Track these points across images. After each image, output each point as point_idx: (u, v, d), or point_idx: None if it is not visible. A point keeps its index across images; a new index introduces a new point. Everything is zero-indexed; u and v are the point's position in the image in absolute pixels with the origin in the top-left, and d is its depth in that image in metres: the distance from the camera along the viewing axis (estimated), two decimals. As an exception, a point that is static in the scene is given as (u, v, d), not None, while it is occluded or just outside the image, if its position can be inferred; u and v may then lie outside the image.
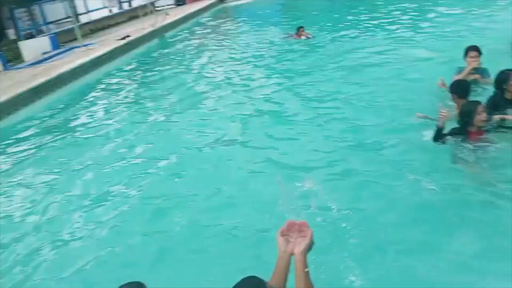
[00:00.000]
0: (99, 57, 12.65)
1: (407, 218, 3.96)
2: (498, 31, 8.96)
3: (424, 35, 10.23)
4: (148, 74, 11.22)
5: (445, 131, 4.48)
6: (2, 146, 7.49)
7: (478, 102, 4.42)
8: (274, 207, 4.29)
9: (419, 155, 4.80)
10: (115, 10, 21.90)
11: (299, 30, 11.67)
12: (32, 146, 7.25)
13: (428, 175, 4.39)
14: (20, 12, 16.24)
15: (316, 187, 4.53)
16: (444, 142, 4.48)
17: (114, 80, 11.21)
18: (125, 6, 22.69)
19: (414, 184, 4.33)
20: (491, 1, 11.96)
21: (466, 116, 4.36)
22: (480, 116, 4.30)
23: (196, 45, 14.18)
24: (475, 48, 5.78)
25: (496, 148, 4.38)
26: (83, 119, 8.38)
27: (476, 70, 5.77)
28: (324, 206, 4.20)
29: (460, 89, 5.00)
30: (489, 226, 3.68)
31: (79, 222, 4.66)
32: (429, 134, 4.70)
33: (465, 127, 4.43)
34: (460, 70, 5.85)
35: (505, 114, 4.60)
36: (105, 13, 20.87)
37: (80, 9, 19.31)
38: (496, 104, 4.74)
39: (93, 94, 10.11)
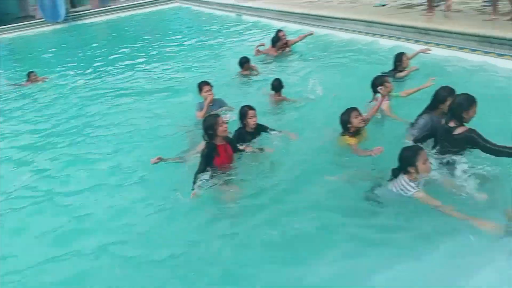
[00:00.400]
0: None
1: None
2: (223, 66, 10.02)
3: (158, 71, 10.72)
4: None
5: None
6: None
7: (217, 115, 5.08)
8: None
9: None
10: None
11: (31, 75, 10.63)
12: None
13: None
14: None
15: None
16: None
17: None
18: None
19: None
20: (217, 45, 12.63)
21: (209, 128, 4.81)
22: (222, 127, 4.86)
23: None
24: (207, 83, 6.50)
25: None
26: None
27: (214, 101, 6.45)
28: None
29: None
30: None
31: None
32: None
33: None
34: (201, 105, 6.41)
35: (248, 145, 5.30)
36: None
37: None
38: (242, 137, 5.38)
39: None
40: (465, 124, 4.29)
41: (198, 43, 13.32)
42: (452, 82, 5.11)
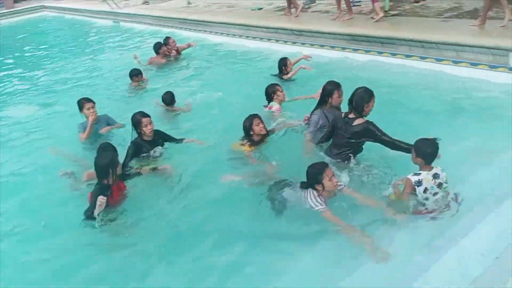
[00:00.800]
0: None
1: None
2: (107, 79, 9.54)
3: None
4: None
5: None
6: None
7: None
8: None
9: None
10: None
11: None
12: None
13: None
14: None
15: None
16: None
17: None
18: None
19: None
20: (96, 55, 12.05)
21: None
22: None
23: None
24: (88, 99, 5.97)
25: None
26: None
27: (99, 119, 5.95)
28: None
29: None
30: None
31: None
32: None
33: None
34: (84, 125, 5.86)
35: (150, 154, 5.13)
36: None
37: None
38: (139, 148, 5.09)
39: None
40: (364, 117, 4.47)
41: (75, 54, 12.51)
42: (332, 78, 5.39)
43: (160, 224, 4.33)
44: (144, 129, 5.06)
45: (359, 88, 4.53)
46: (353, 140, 4.52)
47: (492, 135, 4.98)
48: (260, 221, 4.20)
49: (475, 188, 4.07)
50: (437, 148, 3.76)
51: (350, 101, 4.53)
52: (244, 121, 5.08)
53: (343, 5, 9.56)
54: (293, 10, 10.80)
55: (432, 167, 3.82)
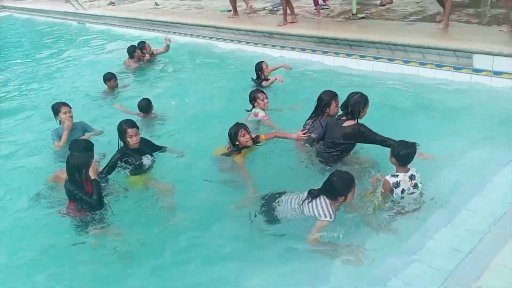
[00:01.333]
0: None
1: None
2: (77, 83, 9.23)
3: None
4: None
5: None
6: None
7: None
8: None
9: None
10: None
11: None
12: None
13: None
14: None
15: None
16: None
17: None
18: None
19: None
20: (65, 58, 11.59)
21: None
22: None
23: None
24: (65, 104, 5.78)
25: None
26: None
27: (75, 125, 5.69)
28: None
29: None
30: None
31: None
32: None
33: None
34: (58, 131, 5.63)
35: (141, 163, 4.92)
36: None
37: None
38: (126, 157, 4.86)
39: None
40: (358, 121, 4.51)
41: (38, 58, 12.07)
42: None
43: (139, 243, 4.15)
44: (129, 139, 4.83)
45: (354, 93, 4.55)
46: (342, 141, 4.54)
47: (458, 133, 5.22)
48: (251, 241, 4.04)
49: (443, 186, 4.25)
50: (412, 152, 3.89)
51: (345, 106, 4.55)
52: (230, 129, 4.97)
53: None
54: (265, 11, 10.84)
55: (409, 169, 3.96)
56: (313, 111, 5.09)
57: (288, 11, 9.51)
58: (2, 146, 6.34)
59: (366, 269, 3.48)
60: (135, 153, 4.92)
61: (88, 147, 4.65)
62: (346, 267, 3.52)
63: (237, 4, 11.17)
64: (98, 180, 4.35)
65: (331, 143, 4.66)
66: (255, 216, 4.15)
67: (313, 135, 4.98)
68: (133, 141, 4.82)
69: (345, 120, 4.54)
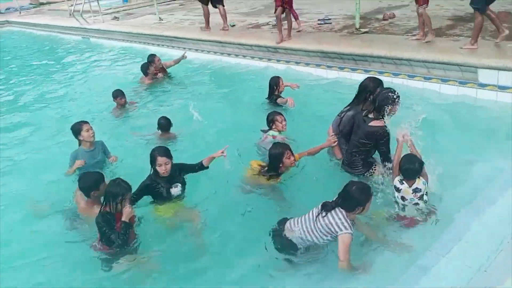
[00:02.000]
0: None
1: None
2: (85, 99, 9.22)
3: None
4: None
5: None
6: None
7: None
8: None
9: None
10: None
11: None
12: None
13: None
14: None
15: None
16: None
17: None
18: None
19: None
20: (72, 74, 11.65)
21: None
22: None
23: None
24: (85, 122, 5.52)
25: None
26: None
27: (96, 143, 5.55)
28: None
29: None
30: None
31: None
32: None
33: None
34: (76, 153, 5.41)
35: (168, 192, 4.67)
36: None
37: None
38: (154, 185, 4.61)
39: None
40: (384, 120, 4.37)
41: (47, 73, 12.02)
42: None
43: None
44: (158, 168, 4.51)
45: (385, 88, 4.45)
46: (365, 140, 4.46)
47: (465, 148, 5.27)
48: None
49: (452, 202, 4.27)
50: (415, 168, 3.96)
51: (373, 101, 4.49)
52: (273, 149, 4.60)
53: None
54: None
55: (414, 181, 4.01)
56: (354, 98, 4.91)
57: (285, 27, 9.61)
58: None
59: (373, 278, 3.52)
60: (165, 182, 4.60)
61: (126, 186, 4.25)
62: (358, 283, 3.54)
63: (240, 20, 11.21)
64: (129, 223, 4.08)
65: (353, 142, 4.62)
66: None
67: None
68: (162, 170, 4.50)
69: (372, 119, 4.41)
